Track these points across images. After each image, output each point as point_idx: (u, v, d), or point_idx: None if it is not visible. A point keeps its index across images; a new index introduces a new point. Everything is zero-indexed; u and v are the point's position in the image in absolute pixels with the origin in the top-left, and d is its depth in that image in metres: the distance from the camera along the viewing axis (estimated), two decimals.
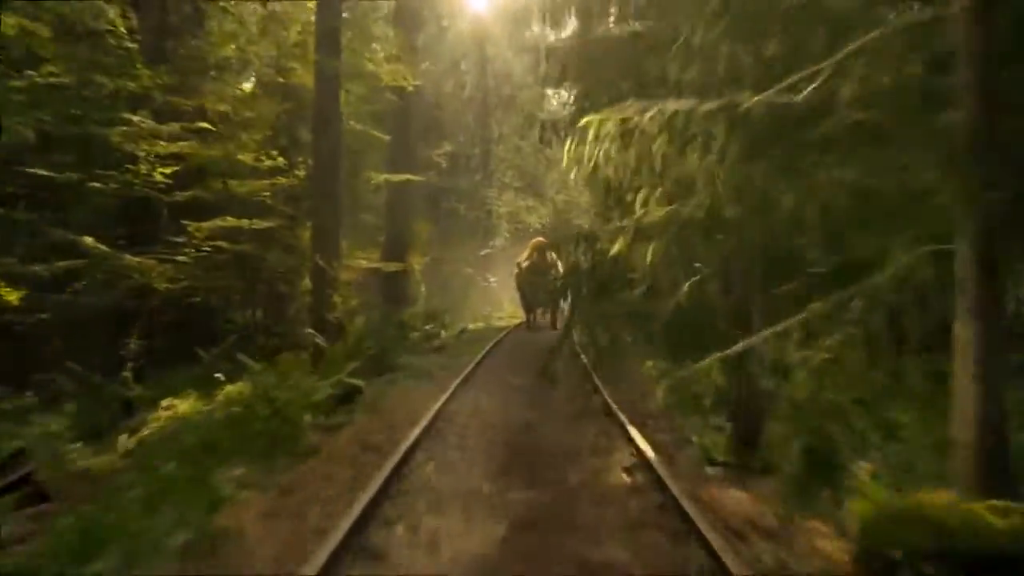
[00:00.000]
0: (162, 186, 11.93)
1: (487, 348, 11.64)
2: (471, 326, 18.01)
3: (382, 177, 14.98)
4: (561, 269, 17.21)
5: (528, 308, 17.86)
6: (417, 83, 14.42)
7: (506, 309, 29.89)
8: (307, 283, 11.63)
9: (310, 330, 10.13)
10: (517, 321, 20.77)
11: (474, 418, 6.37)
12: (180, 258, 12.27)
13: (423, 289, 17.68)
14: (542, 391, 7.69)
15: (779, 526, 3.66)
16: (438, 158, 30.36)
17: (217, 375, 8.12)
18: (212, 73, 13.79)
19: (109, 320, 10.55)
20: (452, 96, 32.26)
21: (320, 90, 11.28)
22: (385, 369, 8.90)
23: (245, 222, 12.47)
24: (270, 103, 13.22)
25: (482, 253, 29.80)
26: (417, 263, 16.93)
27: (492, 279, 30.76)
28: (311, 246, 11.36)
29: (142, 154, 12.45)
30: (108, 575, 3.07)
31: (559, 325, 18.09)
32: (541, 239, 18.24)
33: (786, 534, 3.56)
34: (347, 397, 6.43)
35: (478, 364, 9.81)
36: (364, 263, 13.37)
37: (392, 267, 14.36)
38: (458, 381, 7.93)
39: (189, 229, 11.96)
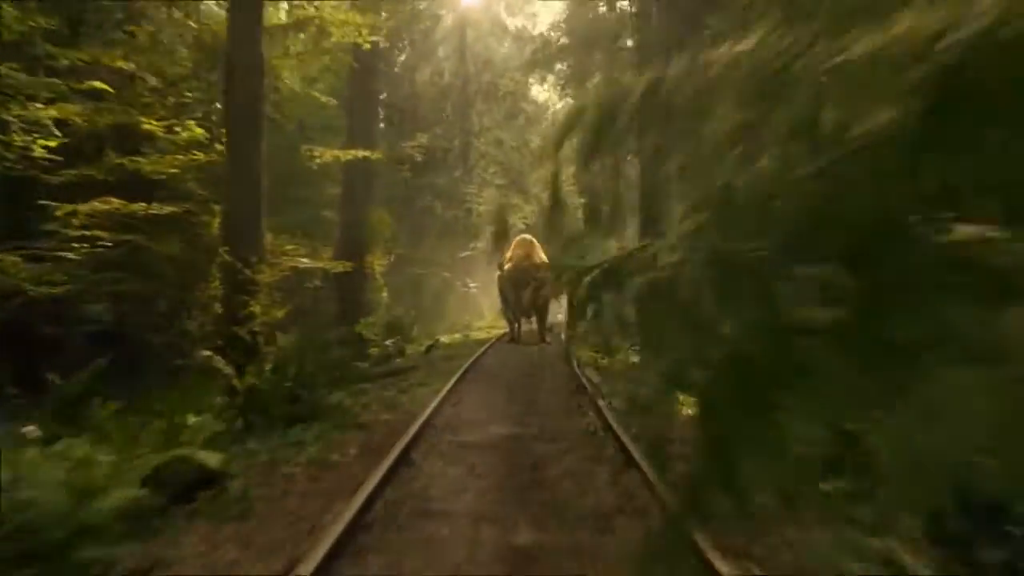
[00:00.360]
0: (45, 163, 9.13)
1: (458, 374, 8.78)
2: (444, 339, 15.11)
3: (329, 154, 12.03)
4: (550, 269, 14.39)
5: (512, 318, 15.00)
6: (376, 39, 11.56)
7: (487, 318, 27.01)
8: (218, 286, 8.68)
9: (208, 352, 7.18)
10: (500, 331, 17.92)
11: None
12: (68, 255, 9.38)
13: (384, 295, 14.77)
14: (550, 474, 4.64)
15: None
16: (413, 151, 27.50)
17: (28, 429, 5.16)
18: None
19: None
20: (429, 84, 29.43)
21: (234, 23, 8.36)
22: (305, 414, 5.98)
23: (140, 206, 9.53)
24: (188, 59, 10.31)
25: (461, 256, 26.96)
26: (378, 264, 14.06)
27: (472, 284, 27.91)
28: (220, 237, 8.43)
29: (13, 120, 9.65)
30: None
31: (550, 338, 15.27)
32: (527, 235, 15.44)
33: None
34: (187, 491, 3.50)
35: (441, 403, 6.83)
36: (304, 261, 10.43)
37: (339, 267, 11.43)
38: (402, 445, 4.85)
39: (58, 214, 9.01)
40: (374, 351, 11.44)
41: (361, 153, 12.02)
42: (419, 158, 27.81)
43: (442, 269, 27.09)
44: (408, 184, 28.10)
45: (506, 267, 14.19)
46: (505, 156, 30.24)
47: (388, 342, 11.29)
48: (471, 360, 10.40)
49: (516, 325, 15.18)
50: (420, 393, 7.51)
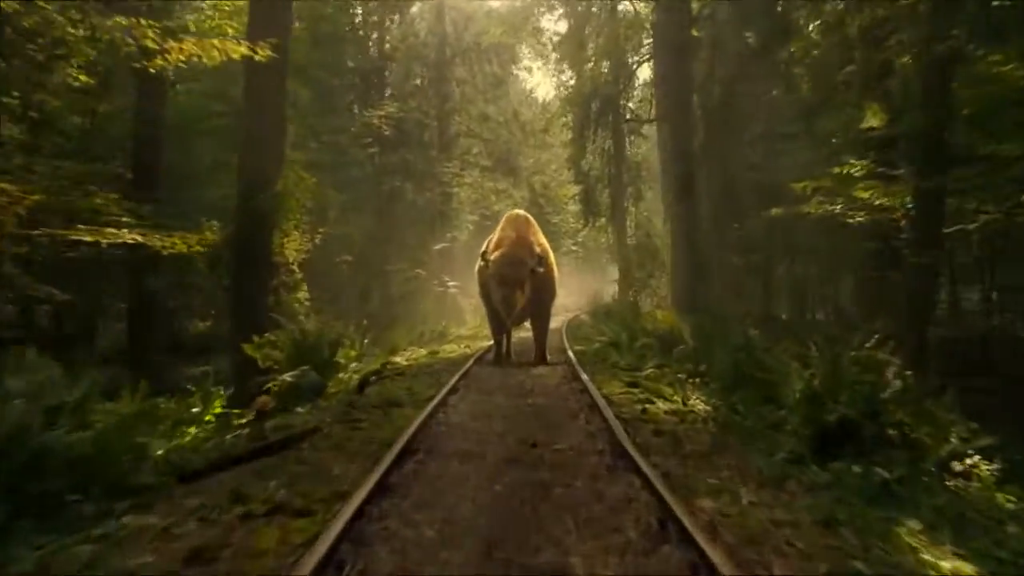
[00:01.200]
0: None
1: (395, 451, 4.31)
2: (404, 358, 10.49)
3: (190, 47, 7.31)
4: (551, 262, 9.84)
5: (498, 326, 10.48)
6: None
7: (469, 323, 22.40)
8: None
9: None
10: (483, 342, 13.35)
11: None
12: None
13: (304, 295, 10.07)
14: None
15: None
16: (380, 122, 22.90)
17: None
18: None
19: None
20: (400, 45, 24.79)
21: None
22: None
23: None
24: None
25: (436, 248, 22.35)
26: (293, 248, 9.49)
27: (451, 283, 23.36)
28: None
29: None
30: None
31: (550, 355, 10.73)
32: (521, 212, 10.90)
33: None
34: None
35: None
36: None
37: (164, 245, 6.67)
38: None
39: None
40: (274, 386, 6.85)
41: (263, 51, 7.32)
42: (387, 131, 23.23)
43: (413, 264, 22.50)
44: (375, 163, 23.49)
45: (491, 256, 9.67)
46: (492, 132, 25.67)
47: (289, 375, 6.70)
48: (429, 408, 5.86)
49: (504, 337, 10.66)
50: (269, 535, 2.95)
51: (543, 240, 10.47)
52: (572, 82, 28.87)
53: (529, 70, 26.65)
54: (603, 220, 30.62)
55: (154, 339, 10.77)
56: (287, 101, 10.70)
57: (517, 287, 9.27)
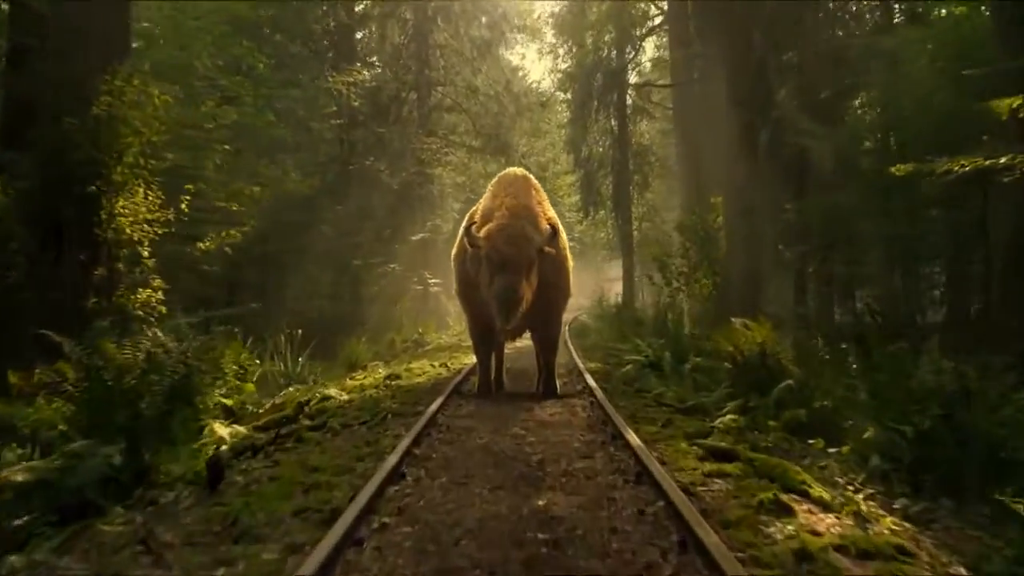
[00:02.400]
0: None
1: None
2: (343, 390, 6.97)
3: None
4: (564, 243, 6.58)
5: (486, 339, 7.11)
6: None
7: (453, 327, 19.01)
8: None
9: None
10: (467, 358, 9.95)
11: None
12: None
13: (155, 295, 6.43)
14: None
15: None
16: (348, 90, 19.45)
17: None
18: None
19: None
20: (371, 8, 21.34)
21: None
22: None
23: None
24: None
25: (415, 238, 18.89)
26: (136, 218, 5.99)
27: (432, 280, 19.91)
28: None
29: None
30: None
31: (560, 382, 7.38)
32: (520, 171, 7.44)
33: None
34: None
35: None
36: None
37: None
38: None
39: None
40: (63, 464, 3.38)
41: None
42: (356, 102, 19.76)
43: (387, 259, 19.05)
44: (344, 140, 20.03)
45: (480, 234, 6.29)
46: (481, 105, 22.22)
47: (32, 465, 3.26)
48: (331, 540, 2.46)
49: (492, 360, 7.31)
50: None
51: (552, 212, 7.09)
52: (571, 55, 25.67)
53: (521, 30, 23.05)
54: (603, 212, 27.41)
55: None
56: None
57: (521, 274, 5.93)
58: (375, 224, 19.41)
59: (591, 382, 7.13)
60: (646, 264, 28.19)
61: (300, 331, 8.96)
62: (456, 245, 7.37)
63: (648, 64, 27.45)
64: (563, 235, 7.07)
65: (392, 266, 18.85)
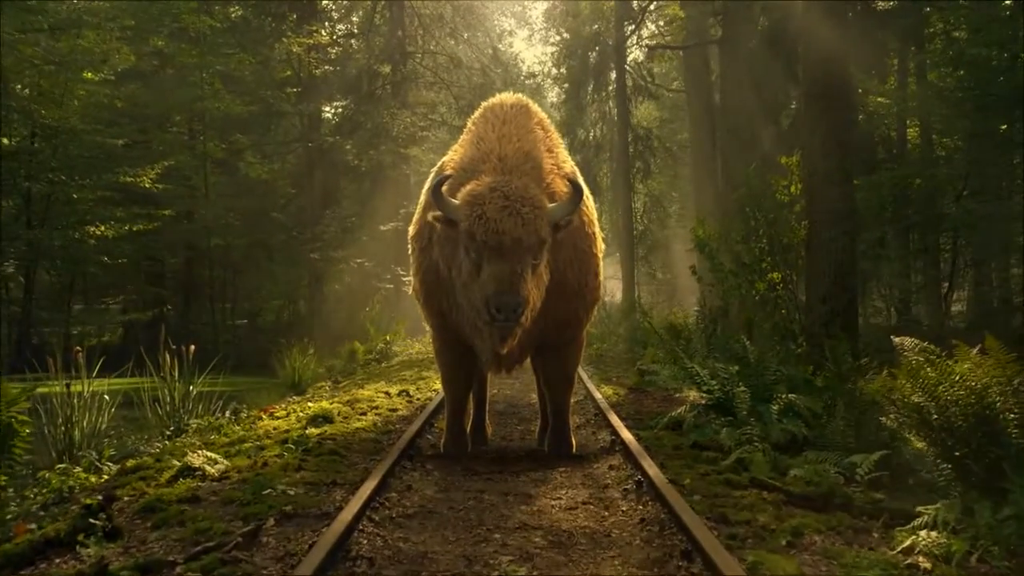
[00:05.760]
0: None
1: None
2: (210, 463, 4.17)
3: None
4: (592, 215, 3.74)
5: (460, 370, 4.38)
6: None
7: (429, 333, 16.30)
8: None
9: None
10: (437, 384, 7.20)
11: None
12: None
13: None
14: None
15: None
16: (308, 57, 16.73)
17: None
18: None
19: None
20: None
21: None
22: None
23: None
24: None
25: (386, 228, 16.09)
26: None
27: (406, 277, 17.18)
28: None
29: None
30: None
31: (574, 440, 4.62)
32: (519, 99, 4.68)
33: None
34: None
35: None
36: None
37: None
38: None
39: None
40: None
41: None
42: (319, 71, 16.97)
43: (355, 254, 16.30)
44: (306, 118, 17.23)
45: (457, 199, 3.49)
46: (466, 79, 19.47)
47: None
48: None
49: (474, 400, 4.64)
50: None
51: (570, 163, 4.38)
52: (566, 29, 23.06)
53: None
54: (601, 202, 24.92)
55: None
56: None
57: (524, 265, 3.48)
58: (340, 212, 16.64)
59: (625, 434, 4.46)
60: (645, 262, 25.98)
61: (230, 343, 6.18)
62: (415, 218, 4.67)
63: (654, 30, 24.80)
64: (590, 203, 4.37)
65: (359, 261, 16.07)
